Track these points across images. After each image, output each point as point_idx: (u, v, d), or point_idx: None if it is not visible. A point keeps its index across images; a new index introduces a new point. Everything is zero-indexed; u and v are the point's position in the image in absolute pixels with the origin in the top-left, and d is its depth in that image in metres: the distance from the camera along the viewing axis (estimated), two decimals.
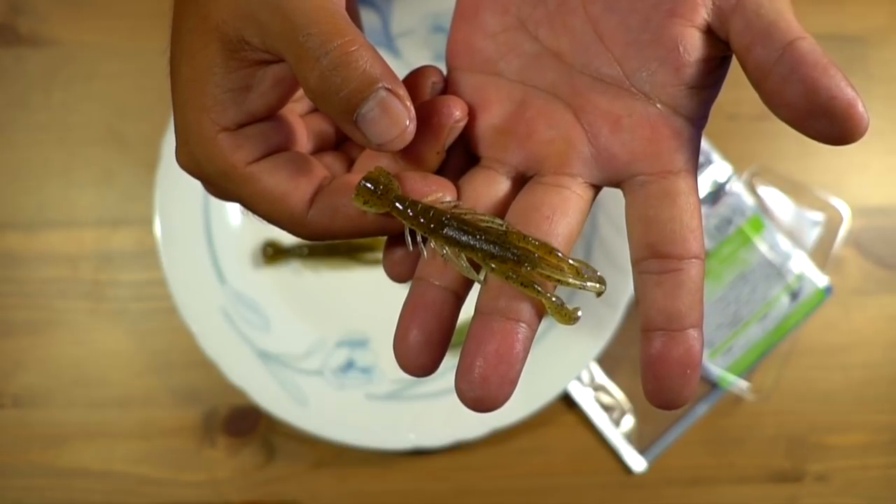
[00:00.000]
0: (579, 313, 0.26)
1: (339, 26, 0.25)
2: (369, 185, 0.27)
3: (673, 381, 0.25)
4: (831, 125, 0.23)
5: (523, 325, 0.26)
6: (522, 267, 0.26)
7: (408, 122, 0.25)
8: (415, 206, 0.27)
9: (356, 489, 0.57)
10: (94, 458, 0.57)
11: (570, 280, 0.26)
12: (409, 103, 0.26)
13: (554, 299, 0.26)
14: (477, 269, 0.27)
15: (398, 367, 0.27)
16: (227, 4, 0.26)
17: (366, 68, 0.25)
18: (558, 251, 0.26)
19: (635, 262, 0.27)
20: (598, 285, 0.26)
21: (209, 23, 0.26)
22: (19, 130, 0.60)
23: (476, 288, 0.28)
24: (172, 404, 0.57)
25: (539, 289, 0.26)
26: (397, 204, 0.27)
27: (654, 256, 0.26)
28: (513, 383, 0.26)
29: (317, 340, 0.57)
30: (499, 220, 0.27)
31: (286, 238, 0.57)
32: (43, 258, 0.59)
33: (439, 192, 0.28)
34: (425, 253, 0.28)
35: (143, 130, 0.59)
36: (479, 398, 0.25)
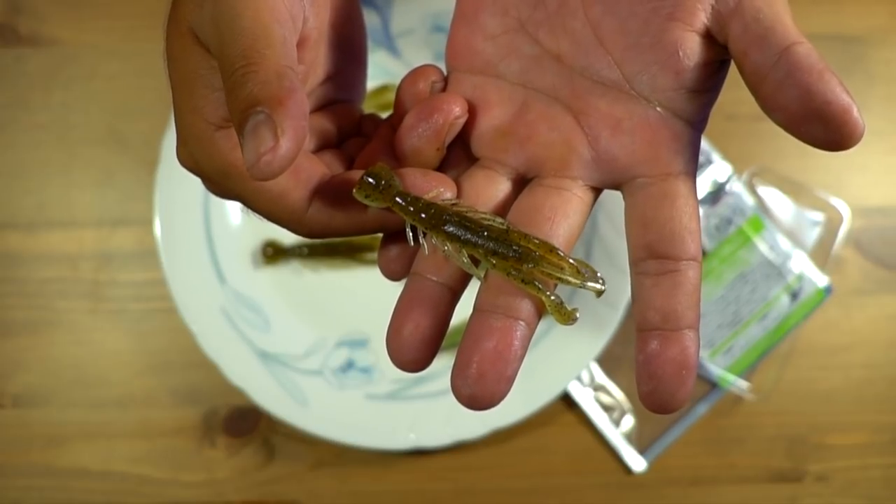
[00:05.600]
0: (578, 314, 0.26)
1: (256, 46, 0.24)
2: (371, 179, 0.27)
3: (668, 381, 0.25)
4: (826, 130, 0.23)
5: (522, 323, 0.26)
6: (524, 264, 0.26)
7: (262, 151, 0.22)
8: (416, 202, 0.27)
9: (356, 489, 0.57)
10: (94, 458, 0.57)
11: (571, 279, 0.26)
12: (284, 138, 0.22)
13: (553, 298, 0.26)
14: (477, 265, 0.27)
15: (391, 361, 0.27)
16: (191, 11, 0.26)
17: (252, 91, 0.23)
18: (559, 250, 0.26)
19: (633, 263, 0.27)
20: (598, 285, 0.26)
21: (182, 27, 0.27)
22: (19, 130, 0.60)
23: (473, 287, 0.28)
24: (172, 404, 0.57)
25: (540, 286, 0.26)
26: (399, 199, 0.27)
27: (652, 257, 0.26)
28: (509, 381, 0.25)
29: (317, 340, 0.57)
30: (500, 219, 0.27)
31: (286, 238, 0.57)
32: (43, 258, 0.59)
33: (440, 189, 0.28)
34: (426, 249, 0.28)
35: (143, 130, 0.59)
36: (474, 395, 0.25)
